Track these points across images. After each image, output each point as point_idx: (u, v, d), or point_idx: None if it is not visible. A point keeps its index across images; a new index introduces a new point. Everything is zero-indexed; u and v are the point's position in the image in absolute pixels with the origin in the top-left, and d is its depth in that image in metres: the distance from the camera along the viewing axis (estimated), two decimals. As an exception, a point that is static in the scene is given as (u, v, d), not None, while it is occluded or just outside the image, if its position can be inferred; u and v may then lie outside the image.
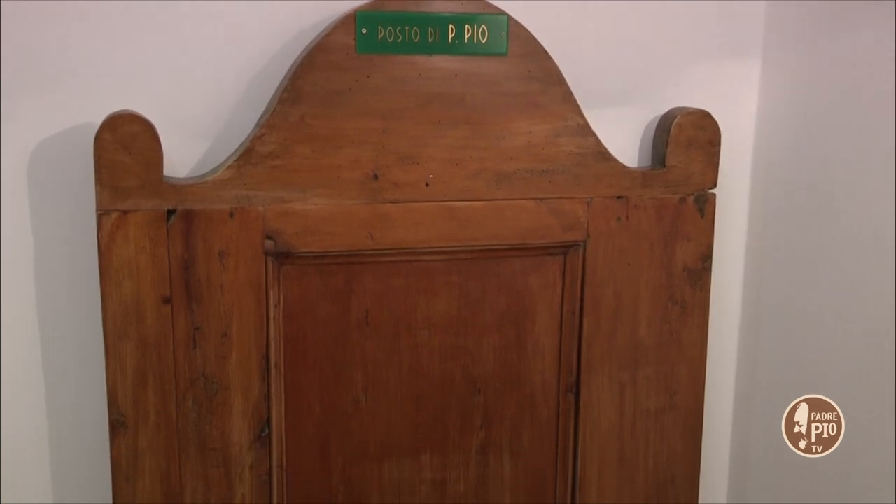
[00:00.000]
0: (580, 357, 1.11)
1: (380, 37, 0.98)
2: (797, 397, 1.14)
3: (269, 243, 0.98)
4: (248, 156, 0.96)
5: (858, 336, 1.05)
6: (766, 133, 1.18)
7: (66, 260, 1.00)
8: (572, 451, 1.13)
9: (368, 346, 1.05)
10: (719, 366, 1.24)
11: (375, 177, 1.00)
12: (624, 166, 1.08)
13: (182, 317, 0.97)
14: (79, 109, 0.97)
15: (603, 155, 1.07)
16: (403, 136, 1.00)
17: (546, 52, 1.03)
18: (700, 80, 1.15)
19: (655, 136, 1.12)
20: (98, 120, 0.92)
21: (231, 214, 0.96)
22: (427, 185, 1.02)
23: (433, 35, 0.99)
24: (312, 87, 0.97)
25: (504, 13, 1.01)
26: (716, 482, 1.29)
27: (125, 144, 0.91)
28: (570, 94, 1.05)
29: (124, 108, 0.95)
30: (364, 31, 0.97)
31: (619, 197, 1.08)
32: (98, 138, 0.91)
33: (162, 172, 0.93)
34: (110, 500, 0.99)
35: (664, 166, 1.10)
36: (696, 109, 1.09)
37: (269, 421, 1.02)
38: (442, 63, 1.00)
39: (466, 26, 1.00)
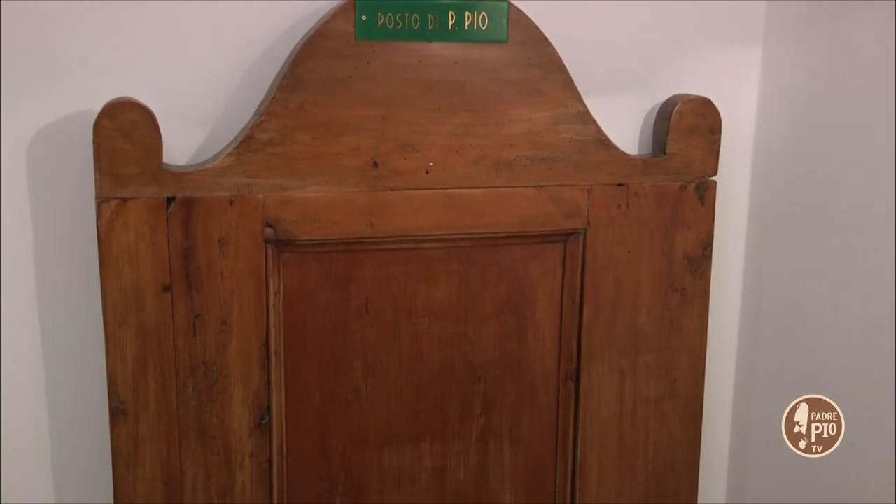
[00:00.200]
0: (580, 345, 1.11)
1: (379, 23, 0.97)
2: (797, 386, 1.14)
3: (268, 231, 0.98)
4: (247, 143, 0.96)
5: (858, 324, 1.05)
6: (767, 120, 1.18)
7: (66, 247, 1.00)
8: (572, 439, 1.13)
9: (368, 333, 1.05)
10: (719, 353, 1.24)
11: (375, 164, 1.00)
12: (624, 154, 1.08)
13: (182, 304, 0.97)
14: (78, 96, 0.96)
15: (603, 142, 1.07)
16: (403, 124, 1.00)
17: (546, 38, 1.02)
18: (701, 67, 1.15)
19: (656, 124, 1.12)
20: (97, 107, 0.91)
21: (231, 202, 0.96)
22: (427, 172, 1.02)
23: (433, 22, 0.99)
24: (312, 74, 0.96)
25: (504, 0, 1.00)
26: (716, 470, 1.29)
27: (125, 131, 0.91)
28: (571, 81, 1.04)
29: (123, 95, 0.95)
30: (364, 17, 0.97)
31: (619, 184, 1.08)
32: (97, 125, 0.90)
33: (161, 160, 0.93)
34: (111, 488, 0.99)
35: (664, 154, 1.09)
36: (697, 96, 1.09)
37: (269, 409, 1.02)
38: (442, 50, 1.00)
39: (466, 13, 1.00)
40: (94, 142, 0.91)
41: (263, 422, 1.02)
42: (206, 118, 1.01)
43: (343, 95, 0.98)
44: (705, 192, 1.11)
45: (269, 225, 0.98)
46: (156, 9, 0.97)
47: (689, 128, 1.09)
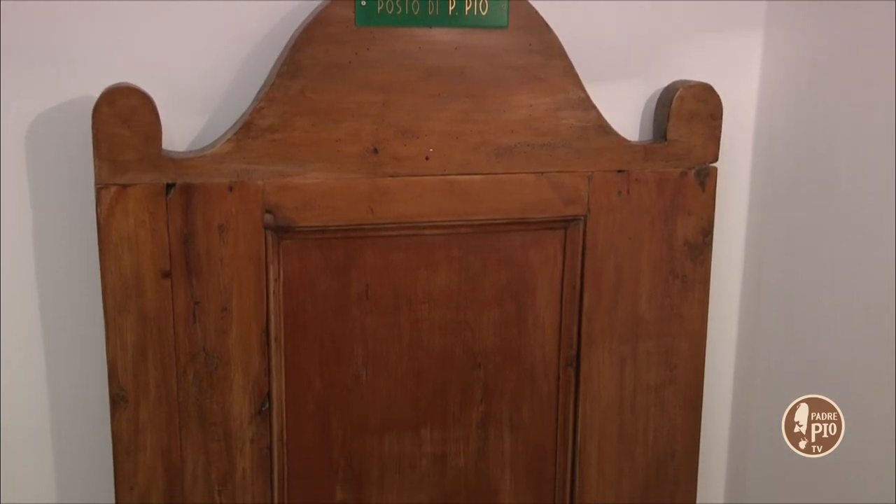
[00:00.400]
0: (580, 331, 1.11)
1: (379, 9, 0.97)
2: (797, 373, 1.15)
3: (268, 217, 0.98)
4: (247, 129, 0.96)
5: (859, 310, 1.05)
6: (769, 106, 1.17)
7: (66, 234, 1.00)
8: (572, 425, 1.14)
9: (368, 320, 1.05)
10: (719, 340, 1.24)
11: (375, 150, 1.00)
12: (625, 140, 1.08)
13: (182, 291, 0.96)
14: (77, 82, 0.96)
15: (604, 128, 1.06)
16: (403, 110, 1.00)
17: (547, 24, 1.02)
18: (702, 53, 1.14)
19: (657, 110, 1.12)
20: (96, 93, 0.91)
21: (230, 188, 0.96)
22: (427, 158, 1.02)
23: (433, 7, 0.99)
24: (312, 60, 0.96)
25: (505, -15, 1.00)
26: (715, 457, 1.29)
27: (124, 118, 0.91)
28: (571, 67, 1.04)
29: (123, 80, 0.95)
30: (363, 3, 0.96)
31: (619, 171, 1.08)
32: (96, 111, 0.90)
33: (161, 146, 0.93)
34: (111, 473, 0.99)
35: (665, 140, 1.09)
36: (698, 82, 1.09)
37: (269, 395, 1.02)
38: (442, 36, 1.00)
39: (467, -2, 1.00)
40: (93, 128, 0.90)
41: (264, 408, 1.02)
42: (205, 104, 1.00)
43: (343, 81, 0.97)
44: (706, 179, 1.11)
45: (268, 211, 0.97)
46: (155, -6, 0.97)
47: (689, 114, 1.09)
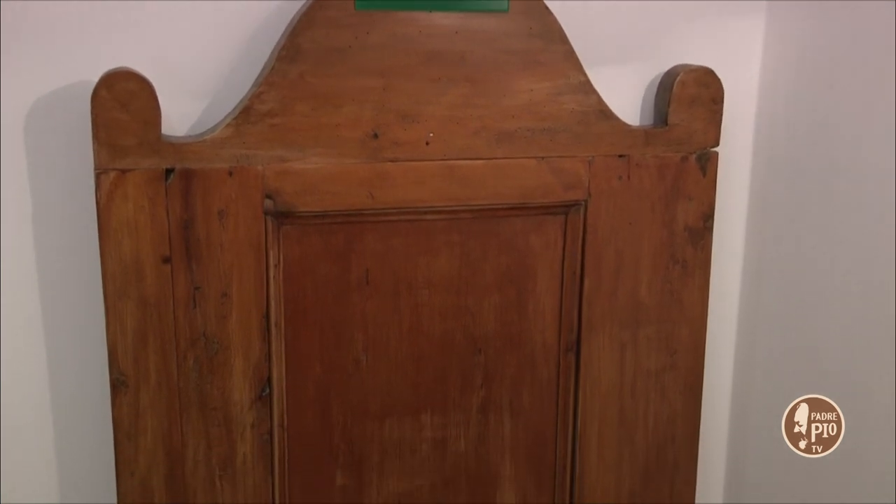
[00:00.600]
0: (581, 316, 1.11)
1: (379, -7, 0.97)
2: (798, 359, 1.15)
3: (268, 202, 0.97)
4: (246, 114, 0.95)
5: (860, 293, 1.05)
6: (770, 91, 1.17)
7: (65, 219, 1.00)
8: (572, 410, 1.14)
9: (369, 305, 1.05)
10: (720, 325, 1.24)
11: (375, 135, 1.00)
12: (626, 124, 1.07)
13: (182, 276, 0.96)
14: (76, 67, 0.96)
15: (605, 113, 1.06)
16: (403, 95, 0.99)
17: (547, 8, 1.01)
18: (703, 37, 1.14)
19: (658, 94, 1.11)
20: (95, 77, 0.91)
21: (230, 173, 0.96)
22: (427, 143, 1.01)
23: (433, -9, 0.98)
24: (311, 44, 0.96)
25: (505, -31, 1.00)
26: (715, 442, 1.29)
27: (122, 102, 0.90)
28: (572, 51, 1.03)
29: (121, 65, 0.94)
30: (363, -14, 0.96)
31: (620, 156, 1.08)
32: (95, 96, 0.90)
33: (160, 131, 0.93)
34: (112, 458, 0.99)
35: (666, 124, 1.09)
36: (700, 66, 1.08)
37: (269, 380, 1.02)
38: (442, 20, 0.99)
39: (467, -18, 0.99)
40: (92, 112, 0.90)
41: (264, 394, 1.02)
42: (204, 89, 1.00)
43: (343, 66, 0.97)
44: (707, 164, 1.11)
45: (268, 196, 0.97)
46: (153, -22, 0.96)
47: (691, 98, 1.08)
